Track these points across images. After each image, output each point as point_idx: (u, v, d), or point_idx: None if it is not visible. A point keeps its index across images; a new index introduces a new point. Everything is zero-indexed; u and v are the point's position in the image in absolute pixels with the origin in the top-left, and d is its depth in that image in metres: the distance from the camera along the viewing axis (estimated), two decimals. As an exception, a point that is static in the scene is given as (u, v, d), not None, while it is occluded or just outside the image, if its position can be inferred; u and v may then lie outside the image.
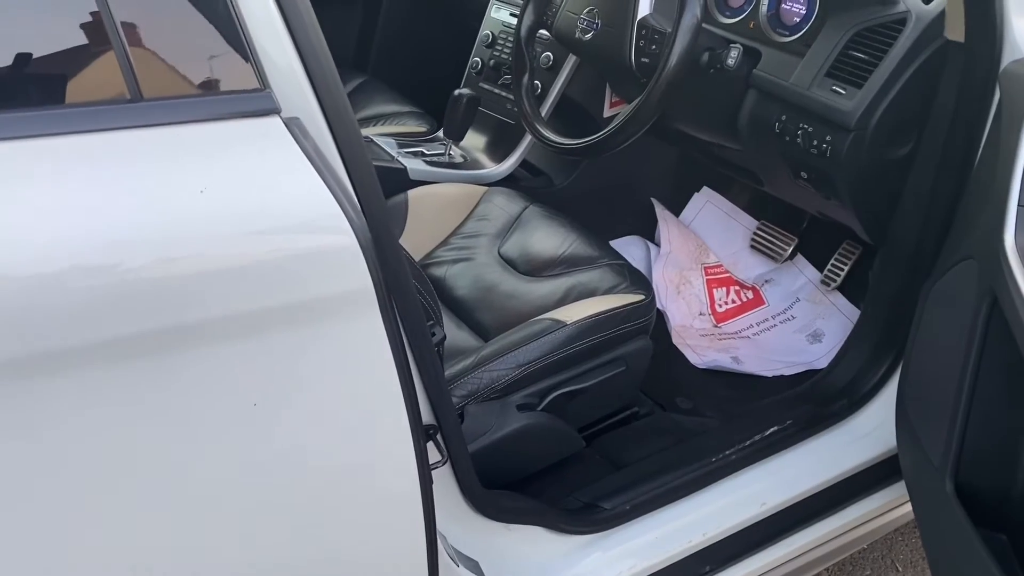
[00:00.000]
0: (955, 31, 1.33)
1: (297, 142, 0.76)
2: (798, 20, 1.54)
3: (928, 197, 1.43)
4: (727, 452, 1.48)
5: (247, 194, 0.75)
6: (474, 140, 2.04)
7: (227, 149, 0.75)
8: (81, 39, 0.72)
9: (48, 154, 0.69)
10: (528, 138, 1.95)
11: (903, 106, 1.40)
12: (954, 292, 1.26)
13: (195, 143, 0.74)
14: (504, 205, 1.75)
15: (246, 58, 0.76)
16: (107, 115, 0.71)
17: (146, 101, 0.72)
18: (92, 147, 0.71)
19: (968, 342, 1.19)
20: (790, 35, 1.54)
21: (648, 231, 2.13)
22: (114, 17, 0.72)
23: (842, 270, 1.91)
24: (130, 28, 0.72)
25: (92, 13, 0.71)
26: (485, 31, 2.05)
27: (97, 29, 0.71)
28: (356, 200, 0.81)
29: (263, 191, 0.75)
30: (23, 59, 0.71)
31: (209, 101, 0.75)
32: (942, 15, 1.36)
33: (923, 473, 1.32)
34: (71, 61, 0.73)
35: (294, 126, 0.77)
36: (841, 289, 1.92)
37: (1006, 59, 1.28)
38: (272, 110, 0.76)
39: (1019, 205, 1.09)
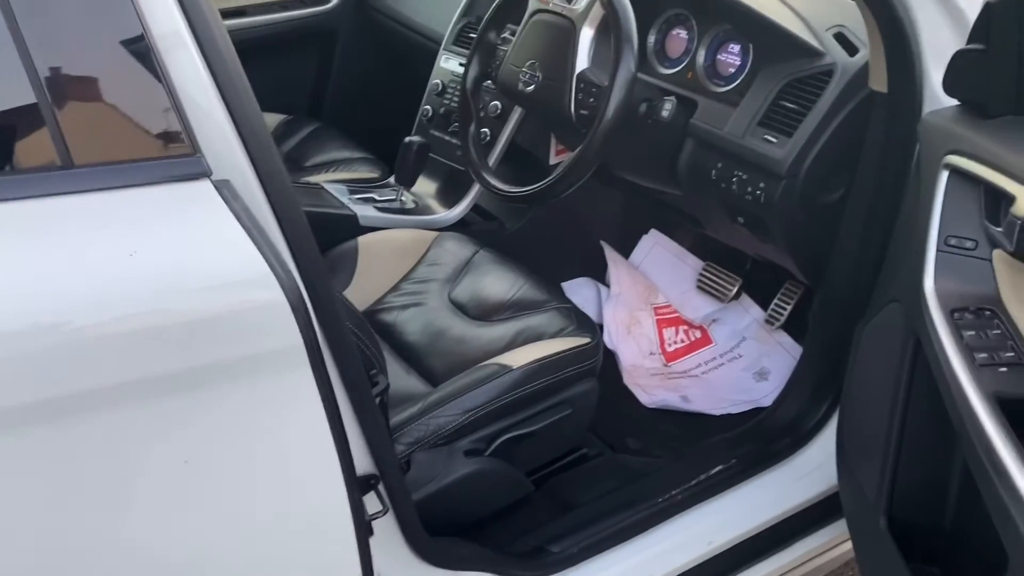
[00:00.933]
0: (879, 82, 1.39)
1: (227, 204, 0.78)
2: (733, 71, 1.60)
3: (860, 241, 1.48)
4: (674, 492, 1.51)
5: (177, 256, 0.76)
6: (425, 186, 2.07)
7: (158, 213, 0.77)
8: (10, 106, 0.74)
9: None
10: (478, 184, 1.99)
11: (832, 154, 1.46)
12: (883, 333, 1.31)
13: (126, 208, 0.76)
14: (455, 250, 1.77)
15: (177, 123, 0.78)
16: (38, 182, 0.73)
17: (77, 168, 0.74)
18: (24, 214, 0.72)
19: (896, 382, 1.23)
20: (725, 85, 1.60)
21: (599, 273, 2.16)
22: (43, 84, 0.73)
23: (785, 309, 1.96)
24: (60, 95, 0.74)
25: (21, 80, 0.73)
26: (435, 80, 2.09)
27: (26, 96, 0.73)
28: (289, 258, 0.83)
29: (193, 253, 0.77)
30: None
31: (140, 167, 0.77)
32: (866, 67, 1.42)
33: (860, 509, 1.35)
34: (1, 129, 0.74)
35: (224, 188, 0.79)
36: (786, 327, 1.97)
37: (926, 108, 1.34)
38: (202, 174, 0.78)
39: (937, 250, 1.14)
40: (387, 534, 1.12)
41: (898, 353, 1.23)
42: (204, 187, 0.78)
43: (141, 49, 0.76)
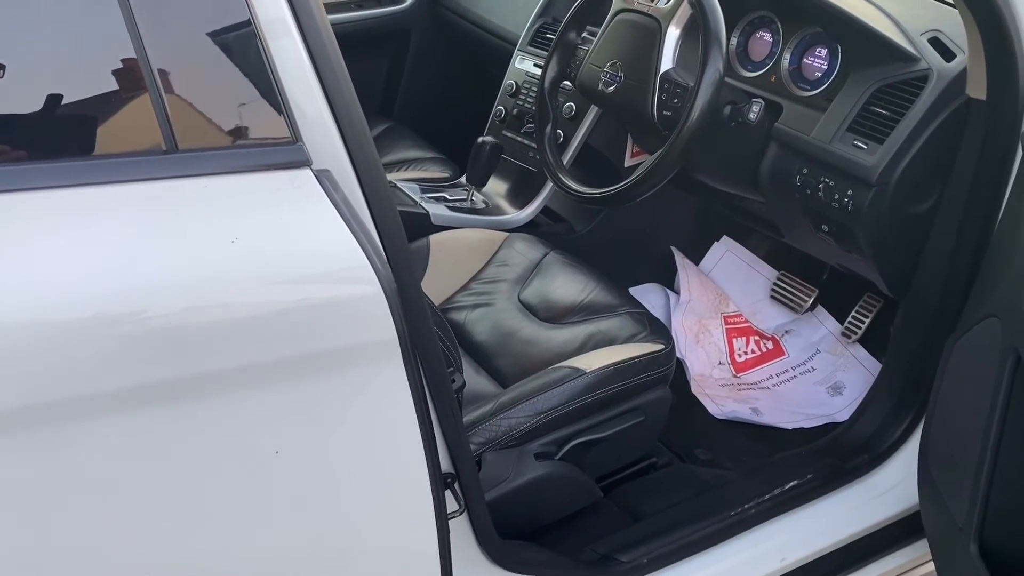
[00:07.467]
0: (977, 89, 1.34)
1: (327, 194, 0.77)
2: (820, 75, 1.56)
3: (951, 252, 1.43)
4: (746, 506, 1.47)
5: (277, 244, 0.76)
6: (496, 186, 2.06)
7: (259, 200, 0.77)
8: (118, 91, 0.75)
9: (84, 204, 0.71)
10: (549, 185, 1.97)
11: (925, 162, 1.41)
12: (978, 349, 1.25)
13: (228, 194, 0.75)
14: (525, 251, 1.76)
15: (279, 111, 0.78)
16: (143, 166, 0.73)
17: (181, 152, 0.74)
18: (128, 197, 0.72)
19: (992, 400, 1.18)
20: (812, 90, 1.56)
21: (667, 279, 2.13)
22: (152, 68, 0.74)
23: (863, 322, 1.90)
24: (167, 80, 0.74)
25: (130, 66, 0.73)
26: (509, 81, 2.08)
27: (135, 81, 0.73)
28: (383, 250, 0.83)
29: (293, 242, 0.77)
30: (60, 110, 0.73)
31: (242, 153, 0.77)
32: (964, 73, 1.37)
33: (947, 533, 1.30)
34: (108, 112, 0.74)
35: (324, 178, 0.78)
36: (862, 341, 1.91)
37: (1029, 116, 1.29)
38: (303, 162, 0.78)
39: (1042, 264, 1.09)
40: (459, 534, 1.11)
41: (995, 370, 1.17)
42: (305, 176, 0.78)
43: (246, 35, 0.75)
